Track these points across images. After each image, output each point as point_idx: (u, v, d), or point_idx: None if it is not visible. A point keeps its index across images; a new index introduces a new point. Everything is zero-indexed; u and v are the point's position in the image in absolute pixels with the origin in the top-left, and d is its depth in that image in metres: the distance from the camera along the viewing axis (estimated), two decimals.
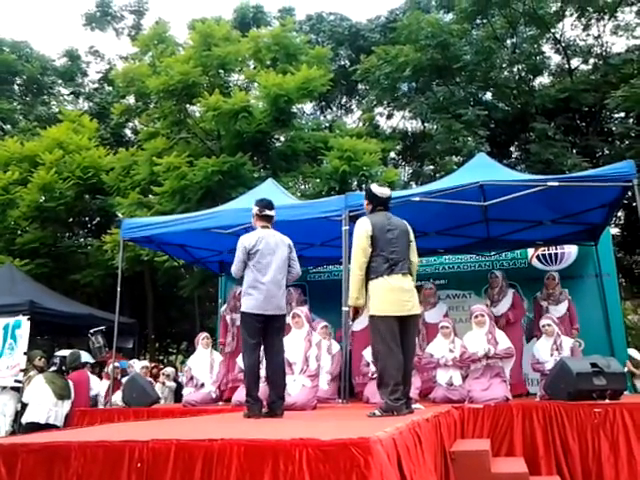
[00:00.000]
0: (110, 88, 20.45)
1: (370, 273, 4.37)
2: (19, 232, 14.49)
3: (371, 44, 17.80)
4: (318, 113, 21.58)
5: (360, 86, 19.59)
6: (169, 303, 17.06)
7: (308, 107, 20.15)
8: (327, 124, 18.99)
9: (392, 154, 19.46)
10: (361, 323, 6.97)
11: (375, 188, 4.73)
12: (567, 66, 16.67)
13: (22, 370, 8.16)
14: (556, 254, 8.58)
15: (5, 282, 10.02)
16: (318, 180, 13.36)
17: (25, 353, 8.30)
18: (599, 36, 16.36)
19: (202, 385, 7.04)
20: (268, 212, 4.82)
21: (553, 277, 7.52)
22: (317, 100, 19.29)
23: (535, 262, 8.69)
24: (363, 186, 14.51)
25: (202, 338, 7.37)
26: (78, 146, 14.57)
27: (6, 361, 8.28)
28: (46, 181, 13.57)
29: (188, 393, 7.07)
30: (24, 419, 7.30)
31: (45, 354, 8.62)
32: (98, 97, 21.14)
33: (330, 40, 19.13)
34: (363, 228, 4.43)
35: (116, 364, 7.98)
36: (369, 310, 4.35)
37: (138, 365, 8.69)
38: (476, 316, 6.15)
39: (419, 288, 8.30)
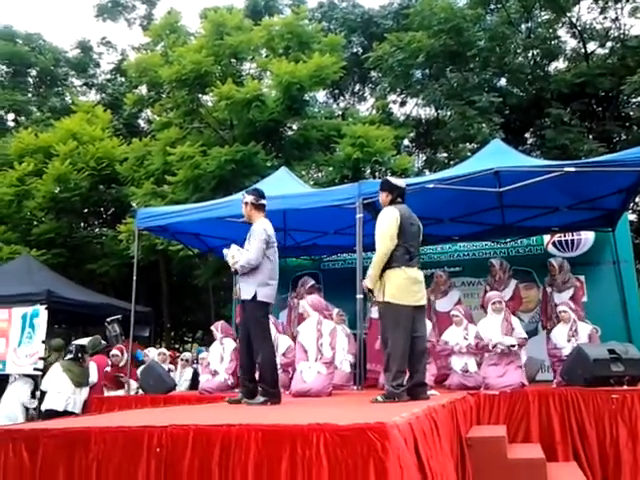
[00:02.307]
0: (122, 79, 20.50)
1: (391, 261, 4.43)
2: (35, 223, 14.63)
3: (384, 31, 17.64)
4: (331, 101, 21.47)
5: (373, 73, 19.43)
6: (184, 292, 17.16)
7: (321, 95, 20.05)
8: (340, 112, 18.90)
9: (405, 141, 19.34)
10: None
11: (394, 180, 4.86)
12: (583, 50, 16.40)
13: (41, 358, 8.28)
14: (572, 240, 8.50)
15: (22, 272, 10.13)
16: (331, 168, 13.31)
17: (43, 342, 8.41)
18: (616, 19, 16.04)
19: (216, 372, 7.09)
20: (263, 201, 4.83)
21: (551, 263, 7.38)
22: (330, 88, 19.17)
23: (551, 249, 8.61)
24: (376, 173, 14.47)
25: (214, 327, 7.40)
26: (92, 137, 14.65)
27: (25, 349, 8.40)
28: (61, 172, 13.67)
29: (205, 380, 7.12)
30: (43, 406, 7.42)
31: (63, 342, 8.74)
32: (111, 88, 21.20)
33: (342, 27, 18.96)
34: (394, 215, 4.48)
35: (115, 352, 8.05)
36: (383, 296, 4.38)
37: (154, 353, 8.77)
38: (493, 302, 6.11)
39: (431, 276, 8.35)
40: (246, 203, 4.80)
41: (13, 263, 11.15)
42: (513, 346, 5.76)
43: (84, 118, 15.37)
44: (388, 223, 4.45)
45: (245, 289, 4.62)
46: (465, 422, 4.49)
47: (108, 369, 7.95)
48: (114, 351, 8.04)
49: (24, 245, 13.37)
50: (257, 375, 4.69)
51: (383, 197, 4.70)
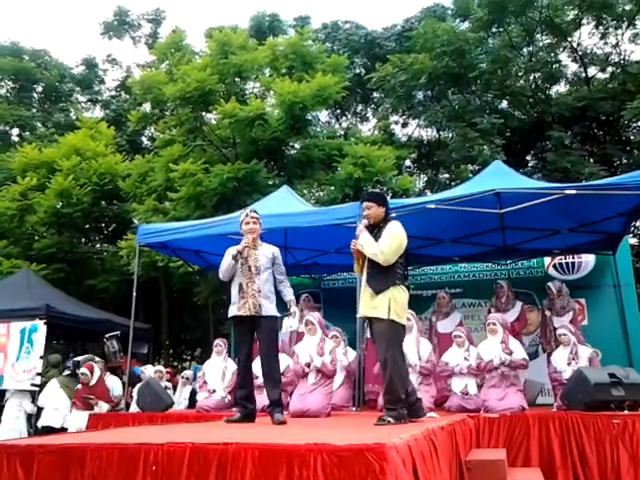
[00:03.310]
0: (127, 96, 20.64)
1: (395, 278, 4.30)
2: (36, 237, 14.63)
3: (387, 52, 17.80)
4: (333, 121, 21.61)
5: (375, 94, 19.58)
6: (183, 309, 17.11)
7: (323, 115, 20.19)
8: (342, 132, 19.01)
9: (407, 162, 19.42)
10: None
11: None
12: (584, 74, 16.54)
13: (38, 374, 8.23)
14: (573, 263, 8.50)
15: (22, 286, 10.12)
16: (333, 187, 13.36)
17: (41, 357, 8.36)
18: (617, 44, 16.21)
19: (214, 391, 7.05)
20: None
21: (549, 287, 7.42)
22: (332, 108, 19.32)
23: (552, 271, 8.60)
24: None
25: (215, 345, 7.39)
26: (95, 153, 14.71)
27: (22, 365, 8.35)
28: (63, 187, 13.70)
29: (202, 398, 7.07)
30: (40, 423, 7.36)
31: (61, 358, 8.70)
32: (115, 104, 21.35)
33: (346, 48, 19.15)
34: (405, 233, 4.38)
35: (84, 370, 7.53)
36: (389, 314, 4.21)
37: (150, 370, 8.72)
38: (488, 324, 6.11)
39: (432, 296, 8.33)
40: (257, 219, 4.90)
41: (13, 277, 11.14)
42: (513, 363, 5.73)
43: (88, 134, 15.45)
44: (401, 239, 4.31)
45: (268, 306, 4.67)
46: (464, 445, 4.44)
47: (79, 387, 7.59)
48: (83, 369, 7.54)
49: (25, 259, 13.36)
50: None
51: (379, 211, 4.46)
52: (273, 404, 4.58)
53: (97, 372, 7.54)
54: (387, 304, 4.21)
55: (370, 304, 4.27)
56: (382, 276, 4.27)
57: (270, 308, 4.69)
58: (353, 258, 4.46)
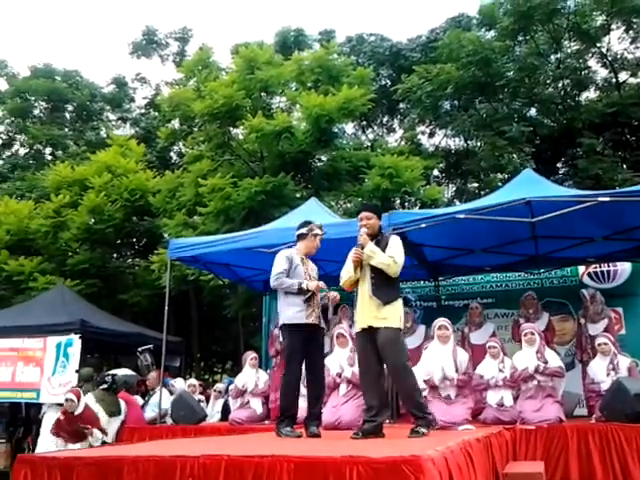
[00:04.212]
0: (156, 113, 21.02)
1: (398, 291, 4.39)
2: (70, 254, 14.92)
3: (412, 63, 17.81)
4: (360, 132, 21.66)
5: (401, 105, 19.57)
6: (214, 322, 17.22)
7: (350, 127, 20.26)
8: (369, 143, 19.03)
9: (435, 172, 19.32)
10: (412, 342, 6.92)
11: None
12: (614, 80, 16.30)
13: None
14: (608, 271, 8.30)
15: (57, 302, 10.30)
16: (360, 199, 13.36)
17: (77, 371, 8.48)
18: None
19: (247, 403, 7.05)
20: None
21: (583, 294, 7.32)
22: (358, 120, 19.37)
23: (586, 280, 8.42)
24: (406, 204, 14.44)
25: (250, 358, 7.40)
26: (126, 169, 14.99)
27: (58, 379, 8.47)
28: (95, 204, 13.99)
29: (234, 411, 7.09)
30: None
31: (95, 372, 8.80)
32: (144, 122, 21.78)
33: (371, 60, 19.21)
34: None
35: (70, 396, 6.74)
36: (400, 322, 4.24)
37: (181, 383, 8.77)
38: (525, 334, 5.99)
39: (464, 307, 8.23)
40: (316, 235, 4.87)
41: (48, 293, 11.34)
42: (547, 370, 5.62)
43: (118, 151, 15.76)
44: (403, 252, 4.37)
45: (316, 313, 4.61)
46: (501, 457, 4.37)
47: (61, 417, 6.83)
48: (69, 395, 6.74)
49: (59, 275, 13.61)
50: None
51: (377, 223, 4.49)
52: (313, 417, 4.55)
53: (83, 399, 6.85)
54: (398, 314, 4.24)
55: (377, 314, 4.20)
56: (390, 287, 4.27)
57: (318, 315, 4.65)
58: (352, 267, 4.36)
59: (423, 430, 4.01)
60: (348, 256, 4.47)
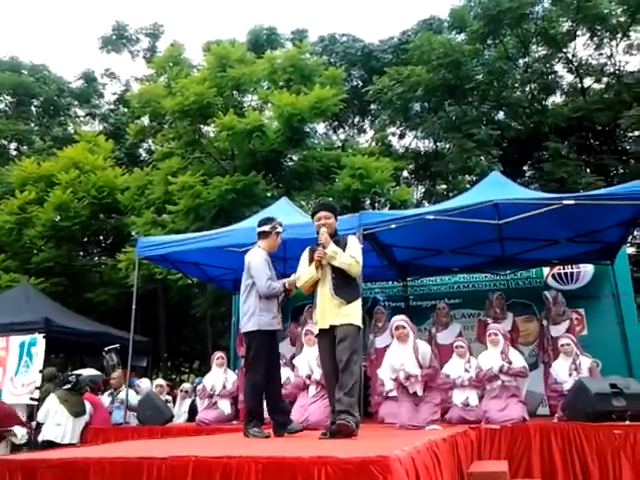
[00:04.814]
0: (125, 109, 20.75)
1: (358, 291, 4.41)
2: (35, 251, 14.62)
3: (383, 64, 17.94)
4: (331, 133, 21.72)
5: (373, 106, 19.69)
6: (182, 322, 17.07)
7: (321, 127, 20.31)
8: (340, 143, 19.09)
9: (405, 173, 19.51)
10: (384, 341, 6.93)
11: None
12: (580, 85, 16.66)
13: (37, 388, 8.18)
14: (572, 273, 8.51)
15: (21, 300, 10.10)
16: (331, 198, 13.40)
17: (40, 371, 8.33)
18: (612, 55, 16.34)
19: (215, 404, 7.02)
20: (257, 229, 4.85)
21: (545, 296, 7.46)
22: (330, 120, 19.43)
23: (551, 281, 8.61)
24: (376, 204, 14.53)
25: (217, 357, 7.36)
26: (93, 166, 14.77)
27: (21, 379, 8.32)
28: (62, 201, 13.75)
29: (202, 411, 7.04)
30: (40, 437, 7.28)
31: (59, 372, 8.64)
32: (113, 118, 21.46)
33: (343, 61, 19.28)
34: None
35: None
36: (359, 321, 4.24)
37: (147, 383, 8.67)
38: (489, 335, 6.09)
39: (432, 307, 8.32)
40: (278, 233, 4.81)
41: (12, 291, 11.12)
42: (512, 371, 5.71)
43: (86, 147, 15.52)
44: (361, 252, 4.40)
45: (280, 317, 4.65)
46: (466, 456, 4.43)
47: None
48: None
49: (23, 273, 13.34)
50: None
51: (334, 223, 4.46)
52: (281, 410, 4.59)
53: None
54: (359, 312, 4.26)
55: (339, 313, 4.18)
56: (350, 287, 4.30)
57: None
58: (314, 267, 4.32)
59: (352, 424, 3.89)
60: (302, 257, 4.47)
